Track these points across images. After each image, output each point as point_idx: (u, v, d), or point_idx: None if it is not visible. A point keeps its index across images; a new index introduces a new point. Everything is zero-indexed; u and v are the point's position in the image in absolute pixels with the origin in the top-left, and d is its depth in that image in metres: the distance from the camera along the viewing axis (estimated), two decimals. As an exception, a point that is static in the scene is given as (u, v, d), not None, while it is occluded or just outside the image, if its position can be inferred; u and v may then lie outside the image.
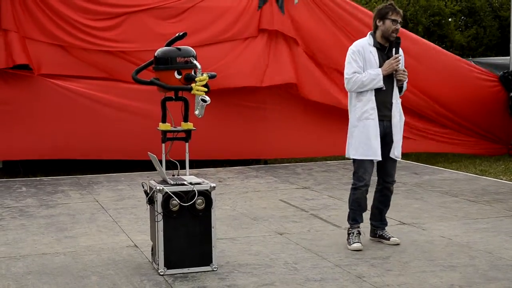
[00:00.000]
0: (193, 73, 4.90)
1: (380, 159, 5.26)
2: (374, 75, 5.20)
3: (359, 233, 5.34)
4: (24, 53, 8.86)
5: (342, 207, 6.80)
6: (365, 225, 5.50)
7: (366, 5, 16.71)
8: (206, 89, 4.83)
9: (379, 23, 5.28)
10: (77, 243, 5.59)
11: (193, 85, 4.82)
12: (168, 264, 4.69)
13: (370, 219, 5.54)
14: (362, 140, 5.25)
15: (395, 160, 5.39)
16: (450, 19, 17.83)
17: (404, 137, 9.76)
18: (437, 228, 5.95)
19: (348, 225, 5.42)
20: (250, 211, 6.77)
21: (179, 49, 4.92)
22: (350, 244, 5.29)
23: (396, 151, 5.32)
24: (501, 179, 8.51)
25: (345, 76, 5.30)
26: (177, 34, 5.01)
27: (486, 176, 8.73)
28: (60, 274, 4.75)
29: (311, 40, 9.68)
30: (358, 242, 5.28)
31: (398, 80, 5.30)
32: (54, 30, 8.99)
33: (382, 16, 5.27)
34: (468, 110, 10.15)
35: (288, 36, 9.58)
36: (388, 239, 5.41)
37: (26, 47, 8.89)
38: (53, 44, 9.02)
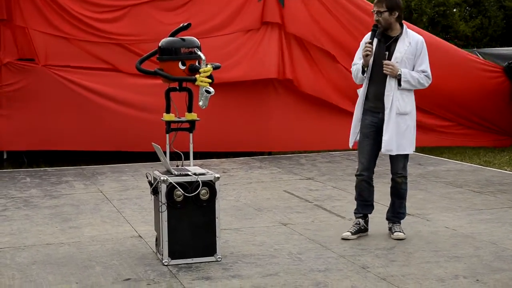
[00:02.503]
0: (197, 64, 4.89)
1: (350, 146, 5.41)
2: (358, 64, 5.28)
3: (358, 223, 5.35)
4: (27, 46, 8.90)
5: (346, 198, 6.79)
6: (346, 212, 5.51)
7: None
8: (210, 80, 4.82)
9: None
10: (81, 234, 5.60)
11: (197, 76, 4.81)
12: (172, 255, 4.70)
13: (387, 211, 5.52)
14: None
15: (397, 155, 5.28)
16: (454, 10, 17.78)
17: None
18: (442, 218, 5.95)
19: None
20: (254, 201, 6.77)
21: (183, 39, 4.90)
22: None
23: (384, 145, 5.21)
24: (506, 170, 8.49)
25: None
26: (181, 25, 5.00)
27: (491, 167, 8.71)
28: (65, 264, 4.76)
29: (312, 33, 9.66)
30: (349, 231, 5.30)
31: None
32: (58, 22, 9.01)
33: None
34: (471, 102, 10.10)
35: (289, 29, 9.58)
36: (393, 233, 5.34)
37: (29, 39, 8.91)
38: (57, 36, 9.04)
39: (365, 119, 5.30)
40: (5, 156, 9.26)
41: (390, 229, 5.40)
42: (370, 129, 5.29)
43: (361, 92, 5.33)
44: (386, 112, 5.21)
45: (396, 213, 5.43)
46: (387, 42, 5.25)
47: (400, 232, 5.32)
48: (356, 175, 5.41)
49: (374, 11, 5.21)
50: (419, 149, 10.16)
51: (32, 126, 8.98)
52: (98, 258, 4.91)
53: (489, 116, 10.27)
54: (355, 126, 5.36)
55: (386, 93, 5.22)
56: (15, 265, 4.76)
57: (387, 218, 5.46)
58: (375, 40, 5.25)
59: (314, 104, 9.78)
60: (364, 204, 5.41)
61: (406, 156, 5.35)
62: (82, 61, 9.12)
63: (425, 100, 10.07)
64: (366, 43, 5.21)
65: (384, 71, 5.19)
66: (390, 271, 4.54)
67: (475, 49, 13.86)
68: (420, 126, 9.99)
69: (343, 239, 5.25)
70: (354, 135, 5.38)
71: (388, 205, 5.51)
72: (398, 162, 5.34)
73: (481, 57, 11.49)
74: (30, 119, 8.97)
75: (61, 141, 9.10)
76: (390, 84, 5.21)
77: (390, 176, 5.42)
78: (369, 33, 5.28)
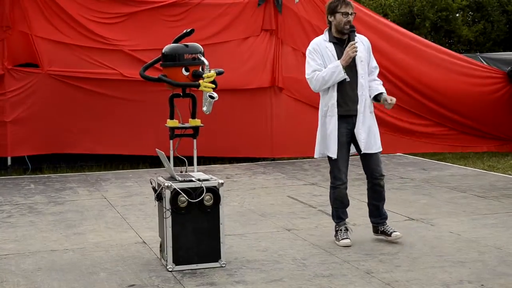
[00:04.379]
0: (200, 69, 4.90)
1: (335, 156, 5.20)
2: (333, 67, 5.11)
3: (346, 229, 5.34)
4: (31, 52, 8.94)
5: (350, 203, 6.77)
6: (351, 218, 5.50)
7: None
8: (214, 86, 4.83)
9: (331, 18, 5.23)
10: (85, 240, 5.61)
11: (200, 81, 4.82)
12: (177, 261, 4.70)
13: (369, 216, 5.49)
14: (323, 138, 5.24)
15: (377, 154, 5.29)
16: (457, 14, 17.78)
17: (407, 138, 9.94)
18: (446, 223, 5.94)
19: (334, 223, 5.41)
20: (258, 207, 6.77)
21: (186, 45, 4.92)
22: (338, 241, 5.28)
23: (363, 146, 5.20)
24: (510, 175, 8.47)
25: (306, 77, 5.24)
26: (184, 31, 5.01)
27: (495, 172, 8.70)
28: (69, 271, 4.76)
29: (310, 40, 9.70)
30: (347, 238, 5.28)
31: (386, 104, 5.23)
32: (61, 28, 9.05)
33: (332, 11, 5.21)
34: (471, 108, 10.14)
35: (287, 36, 9.62)
36: (390, 234, 5.34)
37: (30, 45, 8.96)
38: (61, 42, 9.08)
39: (340, 128, 5.20)
40: (9, 163, 9.28)
41: (383, 232, 5.39)
42: (346, 137, 5.24)
43: (332, 98, 5.16)
44: (360, 110, 5.19)
45: (383, 215, 5.44)
46: (343, 43, 5.23)
47: (396, 231, 5.36)
48: (337, 185, 5.30)
49: (349, 13, 5.16)
50: (421, 154, 10.19)
51: (37, 132, 9.02)
52: (102, 264, 4.91)
53: (490, 121, 10.28)
54: (334, 137, 5.17)
55: (359, 93, 5.21)
56: (20, 272, 4.77)
57: (376, 223, 5.44)
58: (331, 44, 5.22)
59: (317, 110, 9.79)
60: (345, 210, 5.41)
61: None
62: (85, 67, 9.15)
63: (424, 107, 10.13)
64: (352, 43, 5.09)
65: (353, 53, 5.10)
66: (395, 276, 4.53)
67: (478, 53, 13.85)
68: (419, 133, 10.18)
69: (345, 246, 5.23)
70: (335, 145, 5.18)
71: (375, 210, 5.44)
72: (379, 163, 5.34)
73: (484, 62, 11.50)
74: (34, 125, 9.01)
75: (66, 146, 9.16)
76: (361, 83, 5.22)
77: (388, 181, 5.40)
78: (318, 38, 5.28)
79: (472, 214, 6.31)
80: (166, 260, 4.72)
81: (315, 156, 5.40)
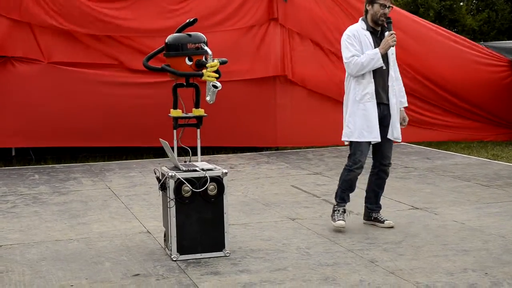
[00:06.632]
0: (204, 59, 4.89)
1: (379, 140, 5.29)
2: (372, 54, 5.20)
3: (344, 211, 5.41)
4: (32, 42, 8.90)
5: (353, 192, 6.77)
6: (355, 207, 5.51)
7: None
8: (217, 75, 4.83)
9: (369, 7, 5.32)
10: (90, 230, 5.62)
11: (204, 71, 4.82)
12: (181, 250, 4.71)
13: (365, 202, 5.59)
14: (363, 123, 5.26)
15: (392, 143, 5.43)
16: (461, 3, 17.70)
17: (415, 126, 9.94)
18: (450, 212, 5.94)
19: (335, 202, 5.46)
20: (262, 197, 6.78)
21: (189, 35, 4.91)
22: (334, 221, 5.37)
23: (395, 133, 5.34)
24: (514, 164, 8.47)
25: (344, 60, 5.32)
26: (187, 20, 5.00)
27: (499, 161, 8.69)
28: (74, 260, 4.78)
29: (317, 28, 9.67)
30: (342, 220, 5.36)
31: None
32: (61, 17, 8.98)
33: (371, 0, 5.30)
34: (475, 95, 10.11)
35: (293, 25, 9.60)
36: (383, 222, 5.46)
37: (33, 36, 8.92)
38: (62, 31, 9.01)
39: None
40: (13, 153, 9.30)
41: (375, 219, 5.50)
42: None
43: (370, 84, 5.25)
44: (392, 101, 5.33)
45: (379, 204, 5.57)
46: (377, 34, 5.35)
47: (387, 219, 5.47)
48: (354, 169, 5.31)
49: (387, 5, 5.26)
50: (426, 143, 10.18)
51: (38, 123, 9.00)
52: (107, 254, 4.93)
53: (495, 109, 10.27)
54: (376, 121, 5.24)
55: (389, 83, 5.34)
56: (25, 262, 4.78)
57: (370, 209, 5.54)
58: (368, 33, 5.31)
59: (321, 99, 9.79)
60: (349, 195, 5.47)
61: None
62: (87, 57, 9.11)
63: (431, 93, 10.10)
64: (392, 33, 5.21)
65: (392, 42, 5.21)
66: (399, 265, 4.54)
67: (482, 42, 13.79)
68: (425, 121, 10.15)
69: (339, 227, 5.31)
70: (377, 130, 5.24)
71: (374, 197, 5.54)
72: (391, 151, 5.48)
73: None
74: (35, 115, 8.99)
75: (68, 138, 9.14)
76: (391, 74, 5.36)
77: (392, 170, 5.42)
78: (356, 25, 5.36)
79: (476, 203, 6.31)
80: (171, 250, 4.73)
81: (352, 140, 5.31)
